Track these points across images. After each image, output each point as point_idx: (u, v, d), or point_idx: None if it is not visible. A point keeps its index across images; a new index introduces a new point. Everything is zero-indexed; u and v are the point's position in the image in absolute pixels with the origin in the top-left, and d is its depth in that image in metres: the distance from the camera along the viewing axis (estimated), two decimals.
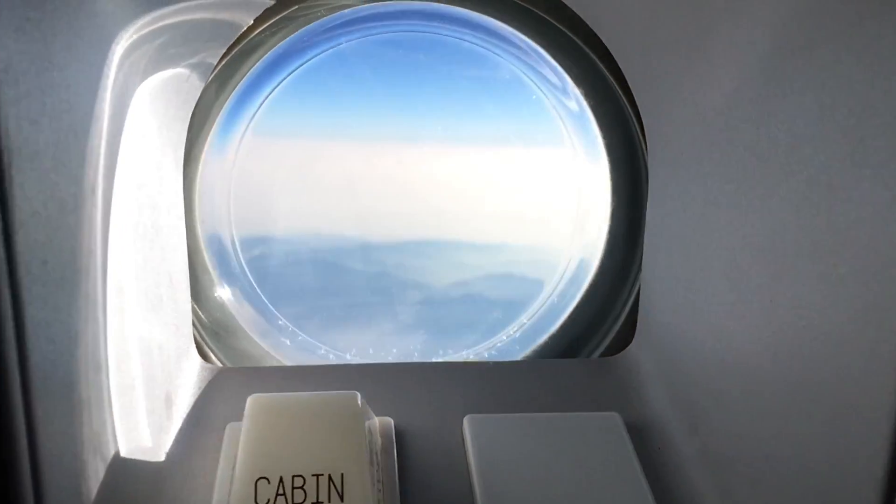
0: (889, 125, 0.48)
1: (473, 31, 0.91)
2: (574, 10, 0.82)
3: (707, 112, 0.70)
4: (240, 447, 0.63)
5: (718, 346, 0.69)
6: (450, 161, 0.94)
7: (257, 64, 0.88)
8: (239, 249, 0.92)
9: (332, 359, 0.95)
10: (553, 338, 0.96)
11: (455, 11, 0.90)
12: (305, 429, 0.64)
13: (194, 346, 0.83)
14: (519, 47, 0.91)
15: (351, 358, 0.95)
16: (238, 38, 0.84)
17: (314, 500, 0.60)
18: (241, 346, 0.93)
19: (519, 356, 0.96)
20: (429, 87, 0.92)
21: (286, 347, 0.94)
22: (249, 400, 0.66)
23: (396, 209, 0.95)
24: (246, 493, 0.60)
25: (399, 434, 0.75)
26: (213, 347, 0.89)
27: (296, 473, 0.61)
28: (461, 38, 0.91)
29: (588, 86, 0.91)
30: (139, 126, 0.66)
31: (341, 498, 0.60)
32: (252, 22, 0.82)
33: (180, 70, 0.72)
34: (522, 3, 0.89)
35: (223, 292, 0.93)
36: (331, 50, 0.90)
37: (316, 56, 0.90)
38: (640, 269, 0.87)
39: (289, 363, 0.93)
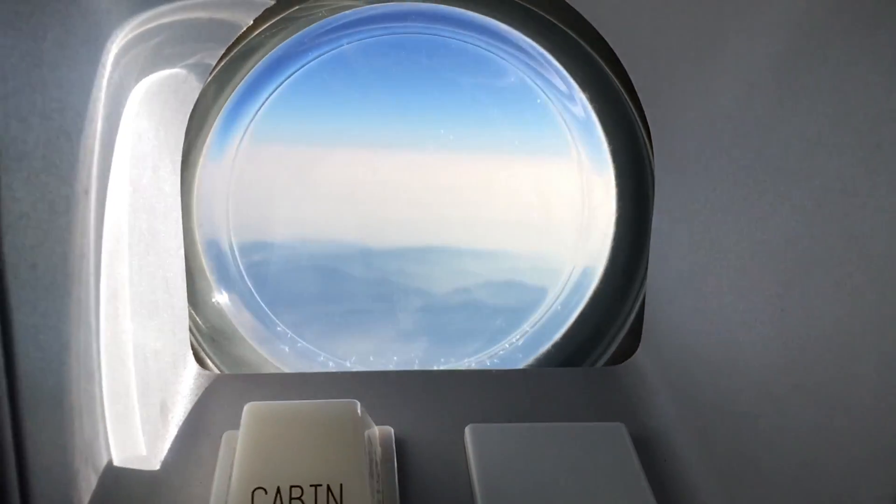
0: None
1: (477, 33, 0.90)
2: (580, 12, 0.80)
3: (716, 117, 0.69)
4: (236, 456, 0.62)
5: (727, 356, 0.68)
6: (452, 166, 0.93)
7: (257, 66, 0.87)
8: (237, 255, 0.91)
9: (332, 366, 0.94)
10: (556, 346, 0.94)
11: (459, 13, 0.89)
12: (303, 438, 0.63)
13: (191, 352, 0.82)
14: (524, 50, 0.90)
15: (351, 366, 0.93)
16: (237, 39, 0.83)
17: None
18: (238, 352, 0.91)
19: (521, 365, 0.95)
20: (432, 90, 0.91)
21: (285, 354, 0.93)
22: (246, 408, 0.65)
23: (398, 215, 0.95)
24: (242, 503, 0.59)
25: (399, 444, 0.74)
26: (211, 354, 0.88)
27: (294, 484, 0.60)
28: (465, 41, 0.90)
29: (594, 90, 0.90)
30: (135, 127, 0.64)
31: None
32: (252, 22, 0.80)
33: (177, 71, 0.71)
34: (527, 5, 0.88)
35: (221, 298, 0.92)
36: (332, 52, 0.89)
37: (317, 58, 0.89)
38: (645, 277, 0.87)
39: (287, 370, 0.92)
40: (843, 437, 0.53)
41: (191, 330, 0.83)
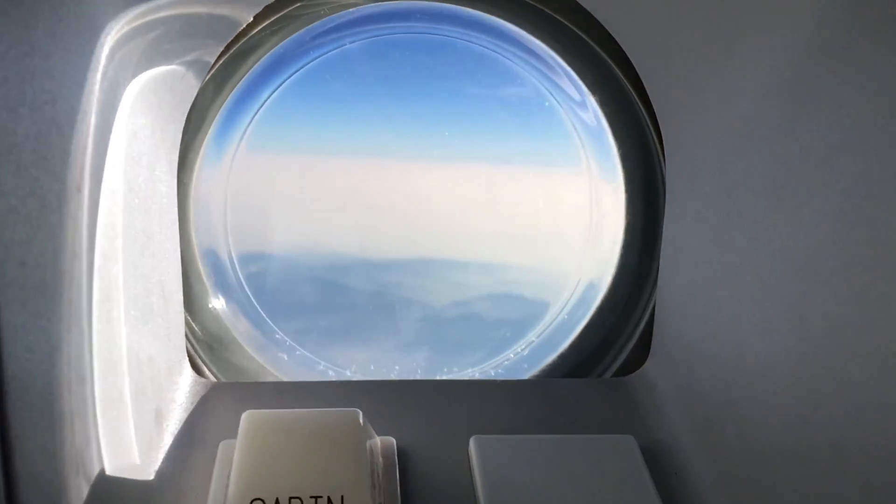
0: None
1: (484, 33, 0.88)
2: (590, 12, 0.79)
3: (732, 119, 0.67)
4: (233, 466, 0.60)
5: (742, 367, 0.66)
6: (457, 174, 0.92)
7: (256, 65, 0.86)
8: (235, 259, 0.89)
9: (332, 375, 0.92)
10: (563, 356, 0.93)
11: (464, 12, 0.87)
12: (303, 447, 0.62)
13: (187, 359, 0.81)
14: (531, 52, 0.88)
15: (351, 375, 0.92)
16: (237, 37, 0.81)
17: None
18: (236, 360, 0.90)
19: (526, 375, 0.93)
20: (436, 91, 0.89)
21: (283, 363, 0.91)
22: (244, 416, 0.64)
23: (402, 226, 0.93)
24: None
25: (401, 455, 0.72)
26: (207, 361, 0.86)
27: (293, 495, 0.59)
28: (470, 41, 0.88)
29: (604, 94, 0.88)
30: (130, 125, 0.63)
31: None
32: (252, 19, 0.79)
33: (175, 68, 0.70)
34: (536, 5, 0.86)
35: (218, 304, 0.90)
36: (334, 51, 0.87)
37: (318, 57, 0.87)
38: (655, 286, 0.86)
39: (286, 379, 0.91)
40: (867, 456, 0.52)
41: (187, 336, 0.82)
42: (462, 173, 0.92)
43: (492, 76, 0.90)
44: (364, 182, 0.91)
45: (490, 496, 0.67)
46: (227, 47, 0.81)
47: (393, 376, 0.92)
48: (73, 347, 0.51)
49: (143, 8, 0.58)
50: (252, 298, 0.91)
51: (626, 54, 0.79)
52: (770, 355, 0.62)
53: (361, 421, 0.64)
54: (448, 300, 0.95)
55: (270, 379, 0.90)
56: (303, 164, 0.91)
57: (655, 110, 0.80)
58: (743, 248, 0.66)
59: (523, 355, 0.94)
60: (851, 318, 0.53)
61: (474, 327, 0.94)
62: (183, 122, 0.77)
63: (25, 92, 0.45)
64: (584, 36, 0.86)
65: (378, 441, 0.71)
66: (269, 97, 0.87)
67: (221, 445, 0.70)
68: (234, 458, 0.61)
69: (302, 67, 0.87)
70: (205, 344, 0.88)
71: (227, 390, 0.80)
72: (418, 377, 0.92)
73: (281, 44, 0.86)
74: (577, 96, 0.89)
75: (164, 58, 0.67)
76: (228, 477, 0.61)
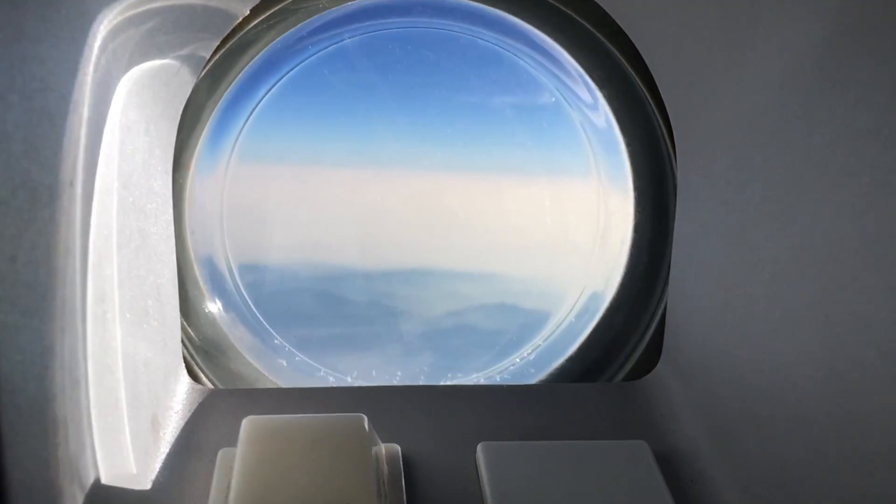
0: None
1: (487, 27, 0.87)
2: (597, 2, 0.78)
3: (748, 112, 0.66)
4: (234, 474, 0.59)
5: (762, 368, 0.64)
6: (462, 180, 0.91)
7: (252, 61, 0.84)
8: (232, 263, 0.87)
9: (332, 381, 0.91)
10: (571, 361, 0.91)
11: (468, 6, 0.86)
12: (307, 454, 0.60)
13: (183, 365, 0.80)
14: (537, 45, 0.87)
15: (352, 380, 0.90)
16: (233, 31, 0.80)
17: None
18: (233, 366, 0.89)
19: (534, 380, 0.92)
20: (438, 87, 0.88)
21: (282, 369, 0.90)
22: (245, 422, 0.63)
23: (404, 235, 0.93)
24: None
25: (407, 463, 0.71)
26: (204, 368, 0.85)
27: None
28: (474, 36, 0.87)
29: (612, 88, 0.87)
30: (124, 119, 0.62)
31: None
32: (248, 12, 0.78)
33: (169, 62, 0.69)
34: None
35: (214, 309, 0.89)
36: (332, 46, 0.86)
37: (316, 53, 0.86)
38: (666, 286, 0.84)
39: (285, 385, 0.90)
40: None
41: (182, 342, 0.81)
42: (466, 174, 0.91)
43: (496, 71, 0.88)
44: (362, 190, 0.91)
45: None
46: (223, 42, 0.80)
47: (395, 382, 0.91)
48: (67, 350, 0.49)
49: None
50: (250, 303, 0.90)
51: (635, 46, 0.78)
52: (793, 355, 0.60)
53: (367, 427, 0.63)
54: (450, 306, 0.94)
55: (269, 385, 0.89)
56: (302, 164, 0.90)
57: (666, 104, 0.78)
58: (761, 244, 0.64)
59: (530, 360, 0.92)
60: (881, 313, 0.51)
61: (478, 332, 0.94)
62: (177, 121, 0.76)
63: (15, 78, 0.44)
64: (591, 29, 0.85)
65: (383, 448, 0.69)
66: (265, 96, 0.86)
67: (220, 454, 0.68)
68: (234, 466, 0.60)
69: (299, 64, 0.86)
70: (201, 350, 0.87)
71: (225, 397, 0.78)
72: (422, 383, 0.92)
73: (278, 39, 0.85)
74: (585, 94, 0.88)
75: (159, 51, 0.66)
76: (228, 486, 0.60)
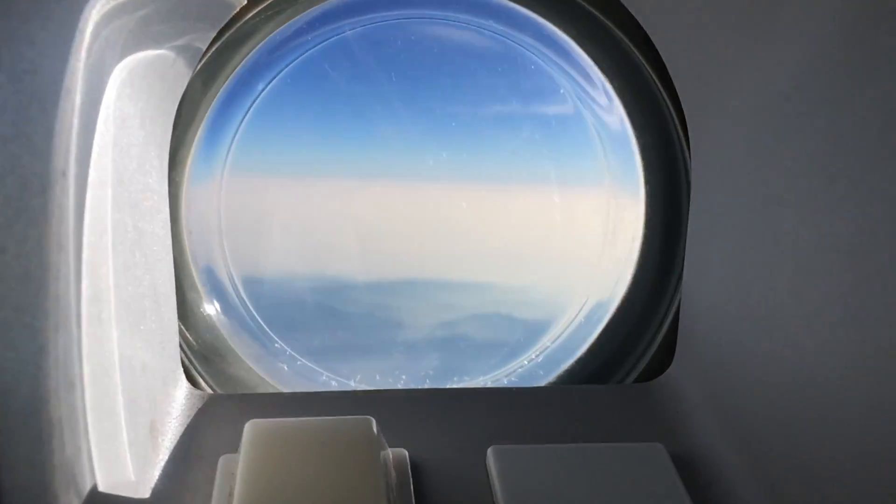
0: None
1: (494, 18, 0.86)
2: None
3: (768, 97, 0.64)
4: (237, 481, 0.57)
5: (784, 365, 0.63)
6: (470, 184, 0.91)
7: (250, 54, 0.84)
8: (231, 265, 0.86)
9: (335, 386, 0.90)
10: (580, 362, 0.91)
11: None
12: (312, 459, 0.59)
13: (181, 369, 0.79)
14: (546, 36, 0.86)
15: (356, 385, 0.90)
16: (230, 23, 0.80)
17: None
18: (232, 371, 0.88)
19: (543, 383, 0.91)
20: (441, 79, 0.87)
21: (283, 373, 0.89)
22: (248, 426, 0.62)
23: (407, 244, 0.92)
24: None
25: (415, 468, 0.70)
26: (203, 372, 0.84)
27: None
28: (479, 28, 0.86)
29: (622, 79, 0.86)
30: (118, 111, 0.60)
31: None
32: (245, 2, 0.78)
33: (165, 52, 0.68)
34: None
35: (213, 312, 0.88)
36: (333, 38, 0.85)
37: (316, 46, 0.85)
38: (679, 283, 0.83)
39: (286, 390, 0.89)
40: None
41: (180, 346, 0.80)
42: (469, 175, 0.90)
43: (503, 63, 0.87)
44: (364, 198, 0.90)
45: None
46: (220, 34, 0.80)
47: (400, 386, 0.91)
48: (61, 349, 0.48)
49: None
50: (249, 305, 0.89)
51: (645, 32, 0.77)
52: (819, 351, 0.59)
53: (375, 429, 0.62)
54: (449, 316, 0.93)
55: (270, 390, 0.88)
56: (303, 164, 0.89)
57: (678, 91, 0.77)
58: (783, 236, 0.63)
59: (538, 362, 0.92)
60: None
61: (486, 331, 0.93)
62: (173, 115, 0.75)
63: (2, 56, 0.43)
64: (600, 16, 0.84)
65: (390, 453, 0.68)
66: (263, 90, 0.85)
67: (222, 460, 0.67)
68: (237, 471, 0.58)
69: (298, 57, 0.85)
70: (199, 354, 0.86)
71: (225, 402, 0.78)
72: (427, 386, 0.91)
73: (277, 31, 0.84)
74: (594, 86, 0.87)
75: (154, 40, 0.64)
76: (230, 493, 0.59)
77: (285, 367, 0.89)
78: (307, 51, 0.84)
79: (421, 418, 0.76)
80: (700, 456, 0.72)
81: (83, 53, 0.50)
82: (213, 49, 0.80)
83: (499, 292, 0.93)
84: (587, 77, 0.86)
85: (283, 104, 0.86)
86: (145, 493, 0.63)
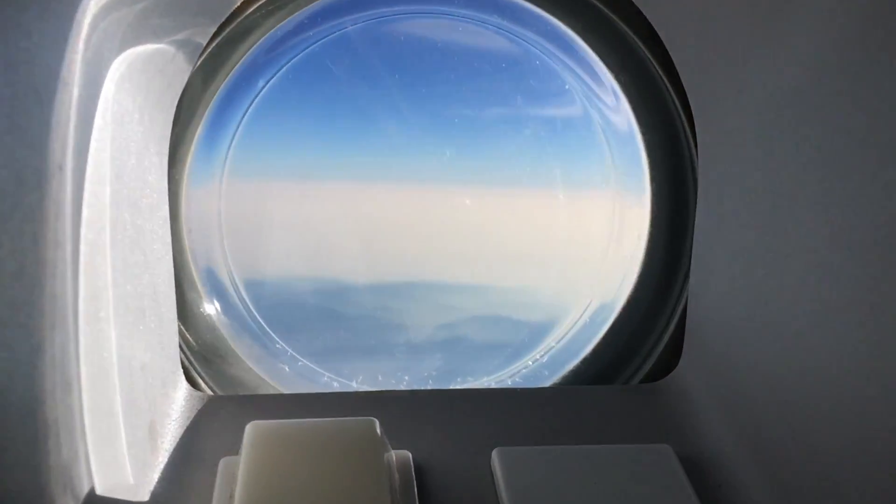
0: None
1: (498, 13, 0.86)
2: None
3: (779, 90, 0.63)
4: (238, 483, 0.57)
5: (795, 365, 0.62)
6: (474, 186, 0.90)
7: (251, 50, 0.83)
8: (231, 264, 0.86)
9: (337, 387, 0.90)
10: (585, 362, 0.90)
11: None
12: (315, 460, 0.59)
13: (181, 370, 0.78)
14: (550, 31, 0.85)
15: (358, 385, 0.89)
16: (230, 18, 0.79)
17: None
18: (233, 372, 0.87)
19: (547, 383, 0.90)
20: (445, 75, 0.87)
21: (284, 374, 0.89)
22: (249, 427, 0.61)
23: (411, 245, 0.92)
24: None
25: (418, 470, 0.69)
26: (203, 373, 0.84)
27: None
28: (483, 23, 0.86)
29: (627, 74, 0.85)
30: (116, 106, 0.60)
31: None
32: None
33: (164, 47, 0.67)
34: None
35: (213, 312, 0.87)
36: (334, 34, 0.84)
37: (317, 42, 0.84)
38: (686, 282, 0.82)
39: (287, 391, 0.89)
40: None
41: (180, 347, 0.80)
42: (473, 176, 0.90)
43: (507, 59, 0.87)
44: (364, 201, 0.89)
45: None
46: (220, 29, 0.79)
47: (403, 386, 0.90)
48: (58, 349, 0.47)
49: None
50: (250, 306, 0.89)
51: (651, 24, 0.77)
52: (832, 351, 0.58)
53: (378, 430, 0.62)
54: (447, 318, 0.93)
55: (271, 391, 0.88)
56: (301, 165, 0.88)
57: (685, 85, 0.77)
58: (793, 234, 0.62)
59: (542, 362, 0.91)
60: None
61: (489, 332, 0.92)
62: (173, 112, 0.75)
63: None
64: (605, 10, 0.83)
65: (393, 455, 0.67)
66: (263, 87, 0.84)
67: (222, 462, 0.66)
68: (238, 473, 0.58)
69: (299, 53, 0.85)
70: (199, 355, 0.85)
71: (225, 404, 0.77)
72: (430, 387, 0.90)
73: (277, 26, 0.83)
74: (599, 82, 0.86)
75: (153, 34, 0.64)
76: (231, 496, 0.58)
77: (286, 368, 0.89)
78: (308, 47, 0.84)
79: (425, 419, 0.75)
80: (708, 457, 0.71)
81: (81, 45, 0.49)
82: (214, 44, 0.80)
83: (502, 293, 0.92)
84: (593, 75, 0.85)
85: (285, 102, 0.85)
86: (144, 497, 0.62)
